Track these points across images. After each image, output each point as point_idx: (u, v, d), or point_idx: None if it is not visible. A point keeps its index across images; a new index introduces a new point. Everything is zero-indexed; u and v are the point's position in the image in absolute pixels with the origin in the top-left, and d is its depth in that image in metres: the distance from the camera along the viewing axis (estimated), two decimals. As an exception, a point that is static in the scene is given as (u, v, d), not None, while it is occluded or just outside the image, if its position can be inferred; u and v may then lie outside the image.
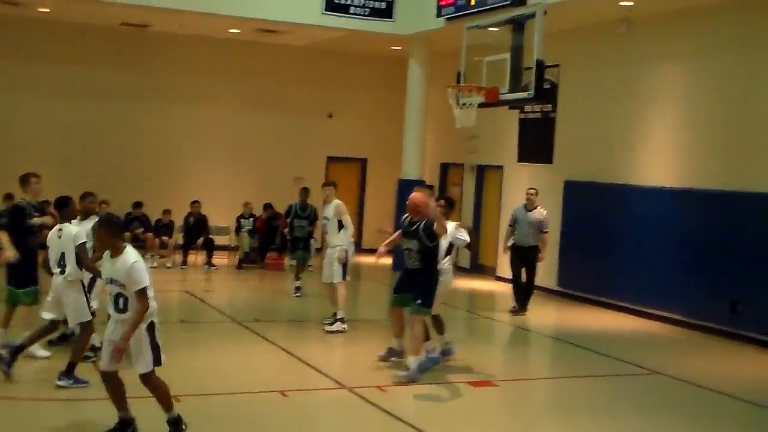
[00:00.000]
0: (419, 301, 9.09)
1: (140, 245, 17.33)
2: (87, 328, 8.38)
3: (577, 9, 13.81)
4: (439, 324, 9.97)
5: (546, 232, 13.74)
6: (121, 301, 6.48)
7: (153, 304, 6.52)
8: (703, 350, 11.81)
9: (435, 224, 9.02)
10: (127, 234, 17.00)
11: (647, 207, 13.90)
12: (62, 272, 8.40)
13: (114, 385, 6.68)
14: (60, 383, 7.96)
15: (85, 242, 8.27)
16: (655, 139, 14.10)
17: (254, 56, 19.98)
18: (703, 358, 11.33)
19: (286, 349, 10.40)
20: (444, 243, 9.55)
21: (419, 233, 9.11)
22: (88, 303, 8.49)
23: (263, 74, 20.18)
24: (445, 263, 9.69)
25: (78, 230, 8.40)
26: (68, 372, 8.01)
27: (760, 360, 11.26)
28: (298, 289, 14.27)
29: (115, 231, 6.53)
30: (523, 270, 13.83)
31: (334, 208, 11.66)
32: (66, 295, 8.36)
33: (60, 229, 8.50)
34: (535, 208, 13.70)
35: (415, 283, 9.20)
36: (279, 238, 17.53)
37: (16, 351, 8.32)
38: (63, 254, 8.39)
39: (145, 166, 19.04)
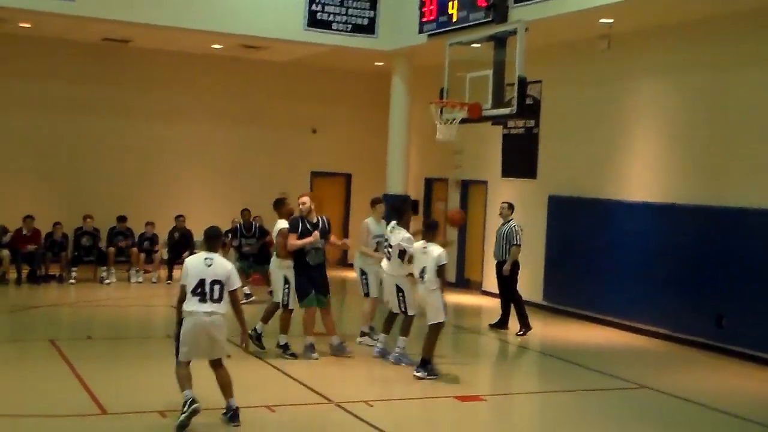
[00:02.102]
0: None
1: (125, 260, 17.31)
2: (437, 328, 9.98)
3: (557, 26, 13.88)
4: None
5: (516, 245, 13.29)
6: None
7: None
8: (688, 364, 11.85)
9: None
10: (112, 249, 16.98)
11: (631, 222, 13.96)
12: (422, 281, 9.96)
13: None
14: (417, 374, 9.74)
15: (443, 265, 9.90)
16: (637, 155, 14.18)
17: (237, 71, 19.97)
18: (688, 372, 11.37)
19: (271, 363, 10.37)
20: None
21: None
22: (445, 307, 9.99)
23: (247, 89, 20.17)
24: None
25: (441, 251, 9.91)
26: (423, 365, 9.75)
27: (744, 374, 11.30)
28: (247, 295, 14.79)
29: None
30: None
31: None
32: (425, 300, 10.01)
33: (425, 247, 9.98)
34: (509, 221, 13.55)
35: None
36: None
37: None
38: (424, 268, 9.91)
39: (128, 181, 18.96)
